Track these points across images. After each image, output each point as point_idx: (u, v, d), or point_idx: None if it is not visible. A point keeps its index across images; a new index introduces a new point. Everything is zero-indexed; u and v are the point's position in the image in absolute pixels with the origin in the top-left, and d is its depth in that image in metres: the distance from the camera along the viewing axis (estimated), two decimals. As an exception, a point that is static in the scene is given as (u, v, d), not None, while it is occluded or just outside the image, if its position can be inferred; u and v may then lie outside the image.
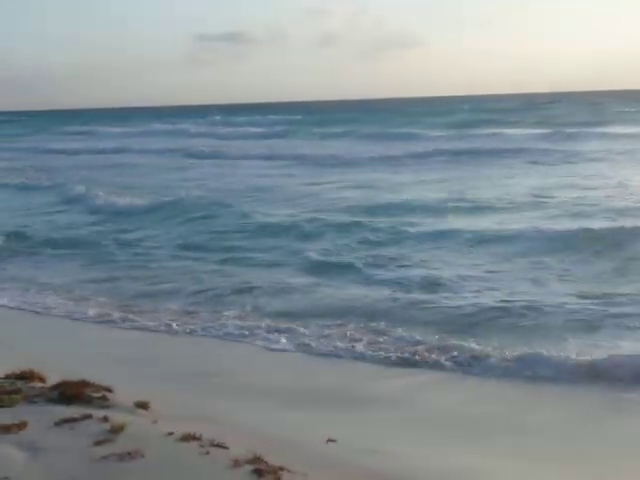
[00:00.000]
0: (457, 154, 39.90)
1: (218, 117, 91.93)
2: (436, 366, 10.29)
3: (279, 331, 11.93)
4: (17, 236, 20.72)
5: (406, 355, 10.61)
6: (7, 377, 7.80)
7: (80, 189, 29.47)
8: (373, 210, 22.83)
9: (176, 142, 58.77)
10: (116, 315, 12.97)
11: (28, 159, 50.09)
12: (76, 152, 54.64)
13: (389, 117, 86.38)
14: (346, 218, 21.41)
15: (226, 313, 12.90)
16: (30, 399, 7.17)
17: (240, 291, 14.22)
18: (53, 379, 7.93)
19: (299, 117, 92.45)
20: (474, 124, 65.79)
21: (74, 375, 7.85)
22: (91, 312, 13.18)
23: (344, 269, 15.56)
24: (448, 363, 10.32)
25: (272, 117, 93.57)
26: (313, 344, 11.28)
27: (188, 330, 12.18)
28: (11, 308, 13.66)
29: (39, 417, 6.69)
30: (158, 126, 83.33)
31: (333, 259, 16.59)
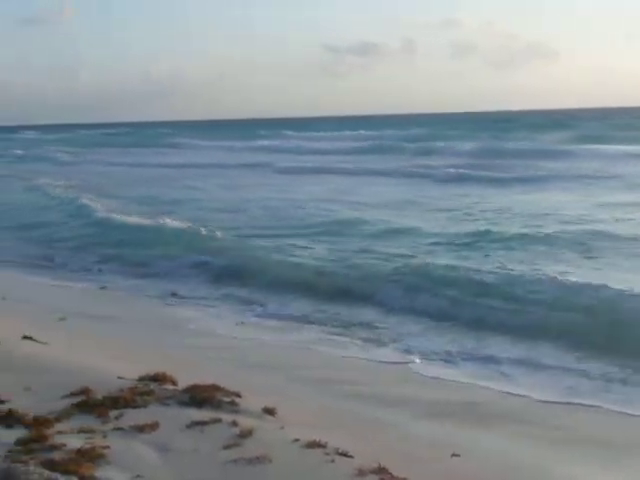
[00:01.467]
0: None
1: (348, 131, 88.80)
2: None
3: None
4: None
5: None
6: (141, 379, 8.06)
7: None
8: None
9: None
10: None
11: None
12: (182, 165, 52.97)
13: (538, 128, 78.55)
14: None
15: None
16: (162, 401, 7.38)
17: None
18: (183, 382, 8.18)
19: (434, 128, 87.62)
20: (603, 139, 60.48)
21: (204, 379, 8.07)
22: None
23: None
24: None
25: (385, 131, 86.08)
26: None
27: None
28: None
29: (171, 419, 6.89)
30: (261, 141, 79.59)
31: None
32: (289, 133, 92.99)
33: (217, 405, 7.33)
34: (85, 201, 29.63)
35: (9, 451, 6.04)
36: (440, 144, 58.98)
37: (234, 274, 16.83)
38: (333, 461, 6.18)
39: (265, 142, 76.09)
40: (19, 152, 74.57)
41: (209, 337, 12.04)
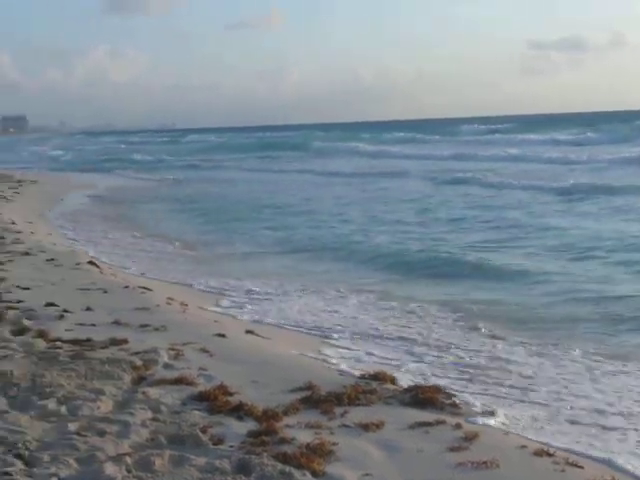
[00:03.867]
0: None
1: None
2: None
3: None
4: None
5: None
6: (362, 377, 8.16)
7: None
8: None
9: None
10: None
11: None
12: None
13: None
14: None
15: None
16: (384, 400, 7.42)
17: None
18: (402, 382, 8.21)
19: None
20: None
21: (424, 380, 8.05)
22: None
23: None
24: None
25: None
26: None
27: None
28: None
29: (394, 418, 6.91)
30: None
31: None
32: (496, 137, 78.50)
33: (440, 407, 7.28)
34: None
35: (242, 442, 6.27)
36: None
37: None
38: (563, 471, 5.97)
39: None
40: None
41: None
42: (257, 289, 14.13)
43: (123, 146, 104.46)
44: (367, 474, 5.75)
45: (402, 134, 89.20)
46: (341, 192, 34.24)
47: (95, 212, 28.86)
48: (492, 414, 7.38)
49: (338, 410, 7.01)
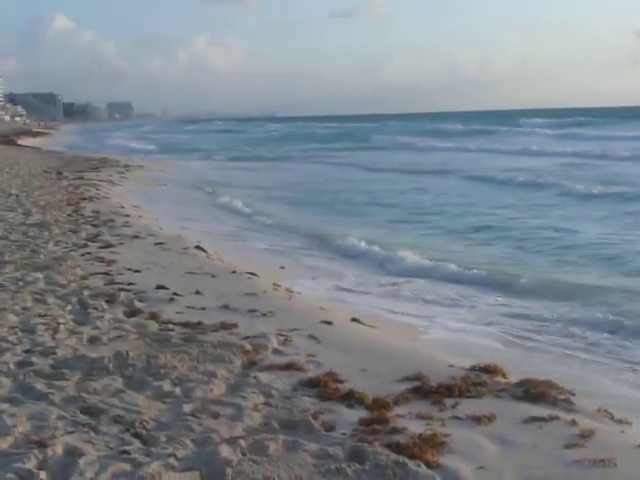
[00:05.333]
0: None
1: None
2: None
3: None
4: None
5: None
6: (472, 369, 8.05)
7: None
8: None
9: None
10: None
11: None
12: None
13: None
14: None
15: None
16: (495, 393, 7.31)
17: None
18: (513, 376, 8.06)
19: None
20: None
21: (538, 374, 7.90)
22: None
23: None
24: None
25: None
26: None
27: None
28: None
29: (506, 412, 6.79)
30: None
31: None
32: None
33: (552, 402, 7.12)
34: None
35: (354, 430, 6.29)
36: None
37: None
38: (685, 474, 5.77)
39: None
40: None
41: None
42: (363, 279, 14.17)
43: (227, 134, 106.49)
44: (481, 467, 5.67)
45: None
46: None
47: (198, 198, 29.41)
48: (606, 413, 7.17)
49: (449, 401, 6.94)
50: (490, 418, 6.58)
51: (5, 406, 6.75)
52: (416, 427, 6.32)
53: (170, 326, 9.40)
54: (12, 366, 7.87)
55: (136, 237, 16.59)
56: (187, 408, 6.74)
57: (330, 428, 6.34)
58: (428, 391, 7.19)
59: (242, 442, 5.95)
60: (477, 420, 6.54)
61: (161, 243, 15.94)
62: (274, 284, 12.53)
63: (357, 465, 5.58)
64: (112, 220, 19.11)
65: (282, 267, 15.14)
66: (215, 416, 6.58)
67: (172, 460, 5.66)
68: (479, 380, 7.58)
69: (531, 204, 27.17)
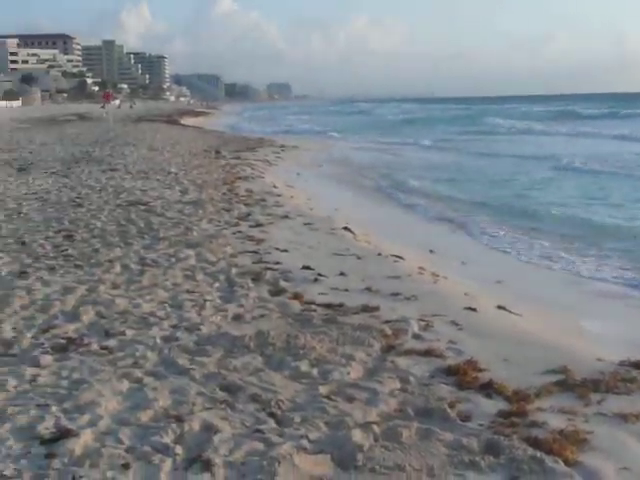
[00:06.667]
0: None
1: None
2: None
3: None
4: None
5: None
6: (621, 364, 7.66)
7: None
8: None
9: None
10: None
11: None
12: None
13: None
14: None
15: None
16: (645, 390, 6.92)
17: None
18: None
19: None
20: None
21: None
22: None
23: None
24: None
25: None
26: None
27: None
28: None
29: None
30: None
31: None
32: None
33: None
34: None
35: (492, 422, 6.10)
36: None
37: None
38: None
39: None
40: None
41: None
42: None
43: (390, 117, 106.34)
44: (625, 468, 5.38)
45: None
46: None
47: (355, 180, 29.36)
48: None
49: (594, 397, 6.63)
50: (638, 417, 6.23)
51: (149, 380, 6.99)
52: (557, 422, 6.06)
53: (312, 307, 9.45)
54: (158, 340, 8.14)
55: (286, 217, 16.79)
56: (323, 390, 6.75)
57: (466, 418, 6.18)
58: (572, 385, 6.88)
59: (375, 427, 5.90)
60: (624, 418, 6.21)
61: (310, 223, 16.07)
62: (420, 268, 12.37)
63: (491, 458, 5.42)
64: (264, 200, 19.43)
65: (431, 251, 14.91)
66: (350, 400, 6.55)
67: (304, 442, 5.68)
68: (629, 376, 7.20)
69: None
